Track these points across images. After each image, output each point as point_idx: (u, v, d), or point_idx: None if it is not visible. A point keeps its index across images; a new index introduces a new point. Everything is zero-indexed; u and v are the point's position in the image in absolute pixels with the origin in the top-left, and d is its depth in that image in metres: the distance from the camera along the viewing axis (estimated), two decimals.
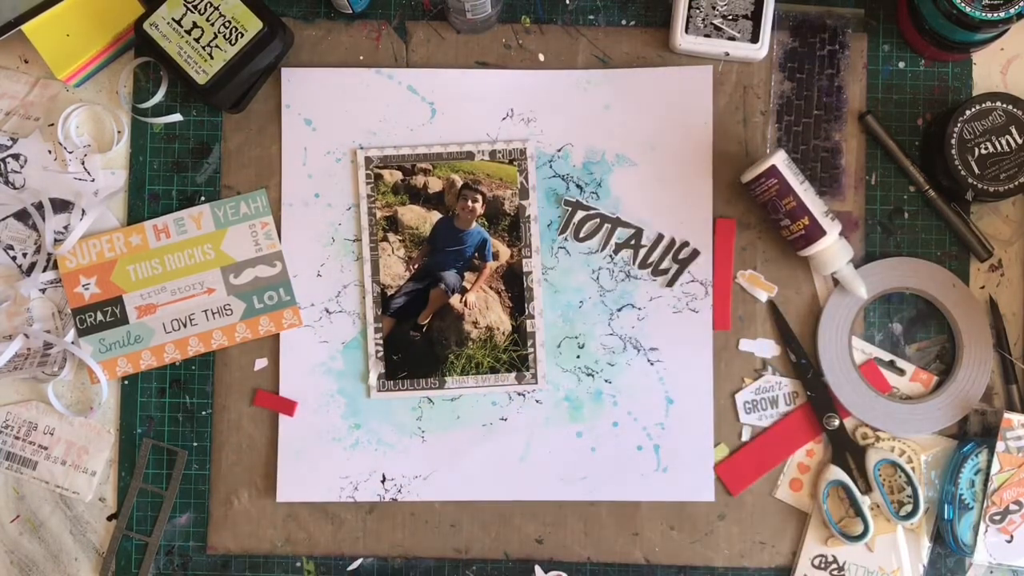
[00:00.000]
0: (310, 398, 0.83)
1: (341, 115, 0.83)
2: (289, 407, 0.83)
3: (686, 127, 0.83)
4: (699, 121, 0.83)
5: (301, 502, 0.82)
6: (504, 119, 0.83)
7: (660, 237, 0.83)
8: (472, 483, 0.82)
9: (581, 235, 0.83)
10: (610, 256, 0.83)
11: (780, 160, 0.78)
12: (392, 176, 0.83)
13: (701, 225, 0.83)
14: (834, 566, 0.81)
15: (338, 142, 0.83)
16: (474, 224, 0.83)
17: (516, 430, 0.83)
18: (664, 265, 0.83)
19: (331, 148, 0.83)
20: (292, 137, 0.84)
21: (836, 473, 0.80)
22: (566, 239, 0.83)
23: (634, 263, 0.83)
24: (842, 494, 0.82)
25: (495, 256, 0.83)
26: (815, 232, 0.78)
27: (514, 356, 0.82)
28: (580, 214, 0.83)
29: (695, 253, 0.82)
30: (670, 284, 0.83)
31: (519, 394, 0.83)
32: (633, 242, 0.83)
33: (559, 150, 0.83)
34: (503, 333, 0.82)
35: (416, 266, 0.83)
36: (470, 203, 0.83)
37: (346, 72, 0.84)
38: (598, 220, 0.83)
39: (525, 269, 0.83)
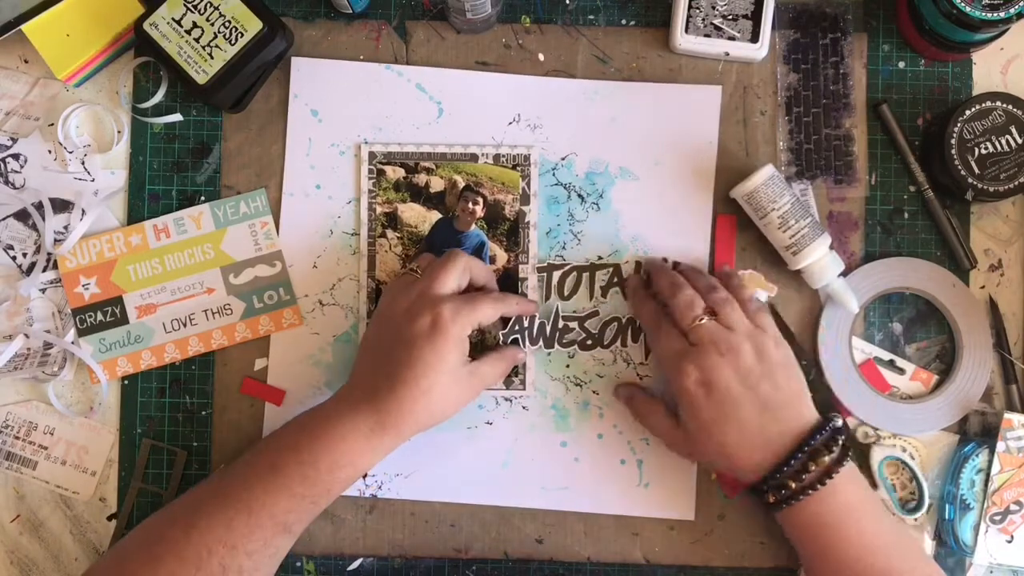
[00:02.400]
0: (297, 389, 0.83)
1: (348, 108, 0.83)
2: (277, 396, 0.82)
3: (691, 147, 0.82)
4: (704, 142, 0.82)
5: None
6: (511, 124, 0.83)
7: (638, 265, 0.82)
8: (453, 485, 0.82)
9: (566, 294, 0.82)
10: (601, 301, 0.82)
11: (765, 177, 0.77)
12: (395, 173, 0.83)
13: (699, 244, 0.82)
14: None
15: (343, 135, 0.83)
16: (473, 226, 0.83)
17: (501, 435, 0.82)
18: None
19: (336, 140, 0.83)
20: (297, 127, 0.83)
21: None
22: (557, 302, 0.82)
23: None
24: None
25: (492, 260, 0.83)
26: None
27: None
28: (556, 274, 0.82)
29: (675, 265, 0.82)
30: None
31: (506, 399, 0.83)
32: (616, 280, 0.82)
33: (563, 158, 0.83)
34: (494, 337, 0.82)
35: None
36: (470, 205, 0.83)
37: (356, 66, 0.83)
38: (575, 273, 0.83)
39: (521, 275, 0.83)
